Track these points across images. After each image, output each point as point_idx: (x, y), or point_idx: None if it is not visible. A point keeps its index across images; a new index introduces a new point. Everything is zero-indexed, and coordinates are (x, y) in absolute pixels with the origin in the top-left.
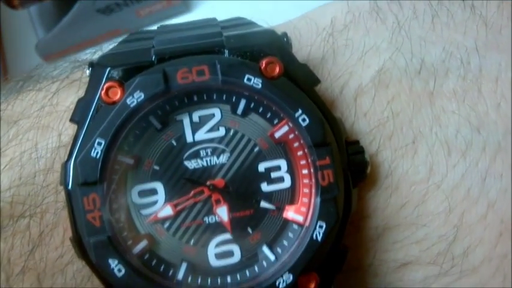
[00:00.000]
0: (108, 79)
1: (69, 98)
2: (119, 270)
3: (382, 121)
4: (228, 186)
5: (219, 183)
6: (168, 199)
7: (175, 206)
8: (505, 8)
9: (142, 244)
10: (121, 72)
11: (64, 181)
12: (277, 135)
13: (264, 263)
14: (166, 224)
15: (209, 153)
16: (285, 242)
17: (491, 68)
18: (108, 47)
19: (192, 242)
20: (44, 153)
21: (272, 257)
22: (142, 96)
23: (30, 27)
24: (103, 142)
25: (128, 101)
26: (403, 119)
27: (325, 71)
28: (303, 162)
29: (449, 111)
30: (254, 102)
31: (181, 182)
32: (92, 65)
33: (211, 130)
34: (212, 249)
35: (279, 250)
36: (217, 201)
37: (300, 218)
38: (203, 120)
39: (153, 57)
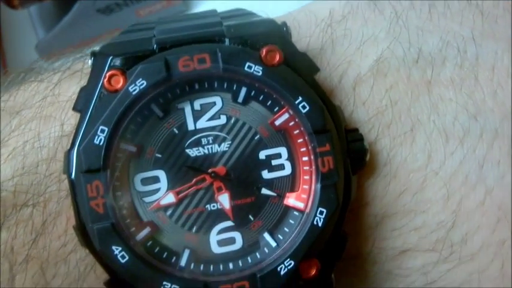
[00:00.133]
0: (111, 67)
1: (71, 88)
2: (123, 257)
3: (381, 109)
4: (230, 173)
5: (220, 170)
6: (171, 187)
7: (177, 193)
8: None
9: (145, 231)
10: (123, 61)
11: (67, 169)
12: (278, 122)
13: (266, 250)
14: (169, 212)
15: (210, 141)
16: (286, 229)
17: (488, 57)
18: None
19: (194, 229)
20: (46, 143)
21: (273, 244)
22: (145, 84)
23: (30, 27)
24: (106, 129)
25: (130, 89)
26: (402, 107)
27: (324, 61)
28: (303, 149)
29: (447, 99)
30: (255, 90)
31: (183, 169)
32: (94, 54)
33: (212, 118)
34: (214, 236)
35: (280, 236)
36: (219, 189)
37: (300, 205)
38: (204, 108)
39: (155, 46)
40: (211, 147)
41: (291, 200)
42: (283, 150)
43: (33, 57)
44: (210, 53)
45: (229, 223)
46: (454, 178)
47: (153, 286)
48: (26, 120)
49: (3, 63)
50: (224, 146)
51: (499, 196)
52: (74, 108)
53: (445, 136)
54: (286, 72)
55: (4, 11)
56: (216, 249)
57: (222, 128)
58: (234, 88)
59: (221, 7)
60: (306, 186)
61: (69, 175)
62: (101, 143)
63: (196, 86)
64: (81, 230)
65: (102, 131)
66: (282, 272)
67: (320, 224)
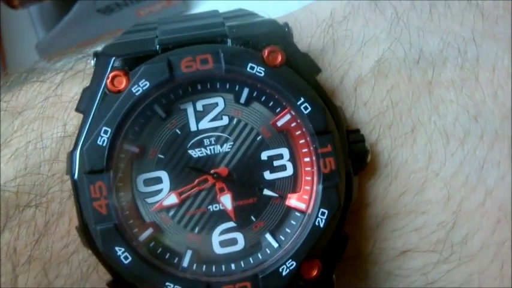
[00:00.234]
0: (113, 68)
1: (73, 88)
2: (126, 258)
3: (382, 110)
4: (232, 174)
5: (222, 171)
6: (173, 187)
7: (179, 194)
8: None
9: (148, 232)
10: (125, 62)
11: (70, 170)
12: (280, 123)
13: (268, 250)
14: (171, 212)
15: (213, 142)
16: (288, 230)
17: (488, 58)
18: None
19: (196, 230)
20: (49, 144)
21: (275, 244)
22: (148, 85)
23: (30, 27)
24: (109, 130)
25: (134, 90)
26: (402, 108)
27: (325, 62)
28: (305, 150)
29: (448, 100)
30: (257, 91)
31: (186, 170)
32: (96, 54)
33: (214, 119)
34: (216, 237)
35: (282, 237)
36: (221, 190)
37: (302, 206)
38: (207, 109)
39: (157, 47)
40: (214, 148)
41: (292, 200)
42: (285, 151)
43: (33, 57)
44: (212, 54)
45: (231, 224)
46: (455, 179)
47: (156, 287)
48: (29, 120)
49: (3, 63)
50: (226, 147)
51: (499, 197)
52: (77, 109)
53: (445, 137)
54: (288, 73)
55: (4, 11)
56: (218, 249)
57: (224, 128)
58: (236, 89)
59: (221, 7)
60: (307, 187)
61: (72, 176)
62: (104, 144)
63: (199, 87)
64: (84, 231)
65: (105, 132)
66: (284, 273)
67: (322, 225)
